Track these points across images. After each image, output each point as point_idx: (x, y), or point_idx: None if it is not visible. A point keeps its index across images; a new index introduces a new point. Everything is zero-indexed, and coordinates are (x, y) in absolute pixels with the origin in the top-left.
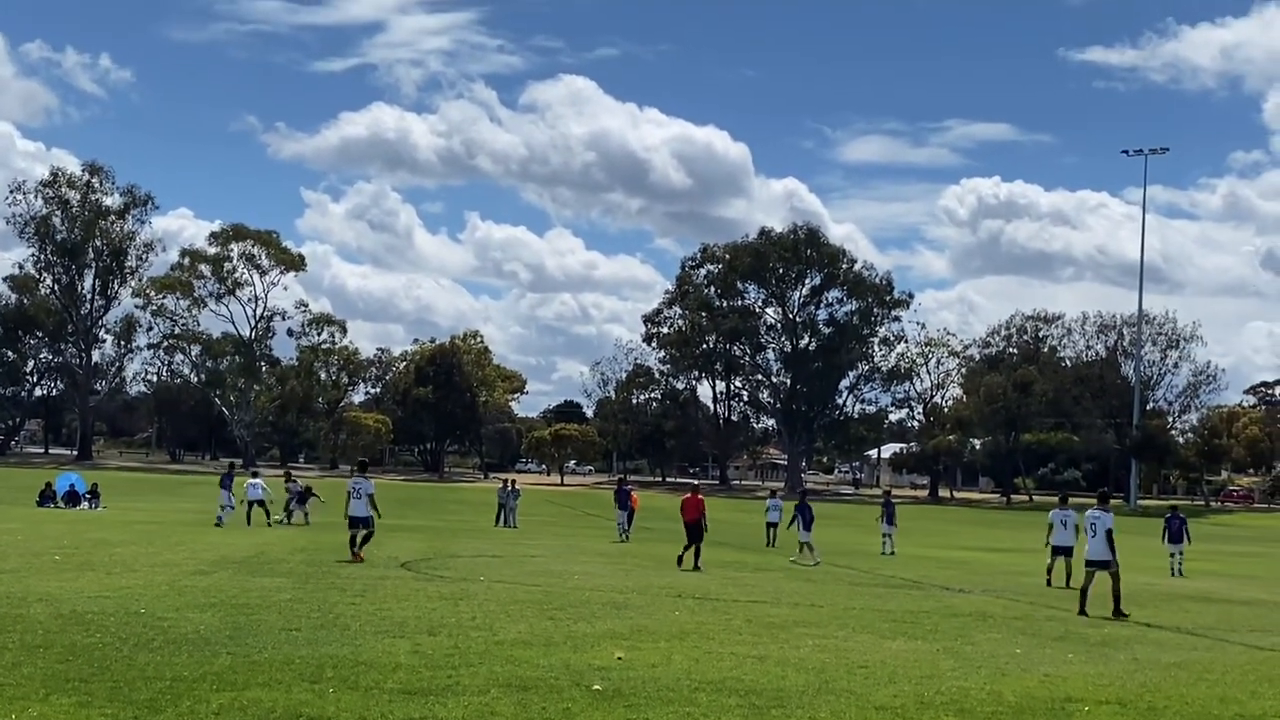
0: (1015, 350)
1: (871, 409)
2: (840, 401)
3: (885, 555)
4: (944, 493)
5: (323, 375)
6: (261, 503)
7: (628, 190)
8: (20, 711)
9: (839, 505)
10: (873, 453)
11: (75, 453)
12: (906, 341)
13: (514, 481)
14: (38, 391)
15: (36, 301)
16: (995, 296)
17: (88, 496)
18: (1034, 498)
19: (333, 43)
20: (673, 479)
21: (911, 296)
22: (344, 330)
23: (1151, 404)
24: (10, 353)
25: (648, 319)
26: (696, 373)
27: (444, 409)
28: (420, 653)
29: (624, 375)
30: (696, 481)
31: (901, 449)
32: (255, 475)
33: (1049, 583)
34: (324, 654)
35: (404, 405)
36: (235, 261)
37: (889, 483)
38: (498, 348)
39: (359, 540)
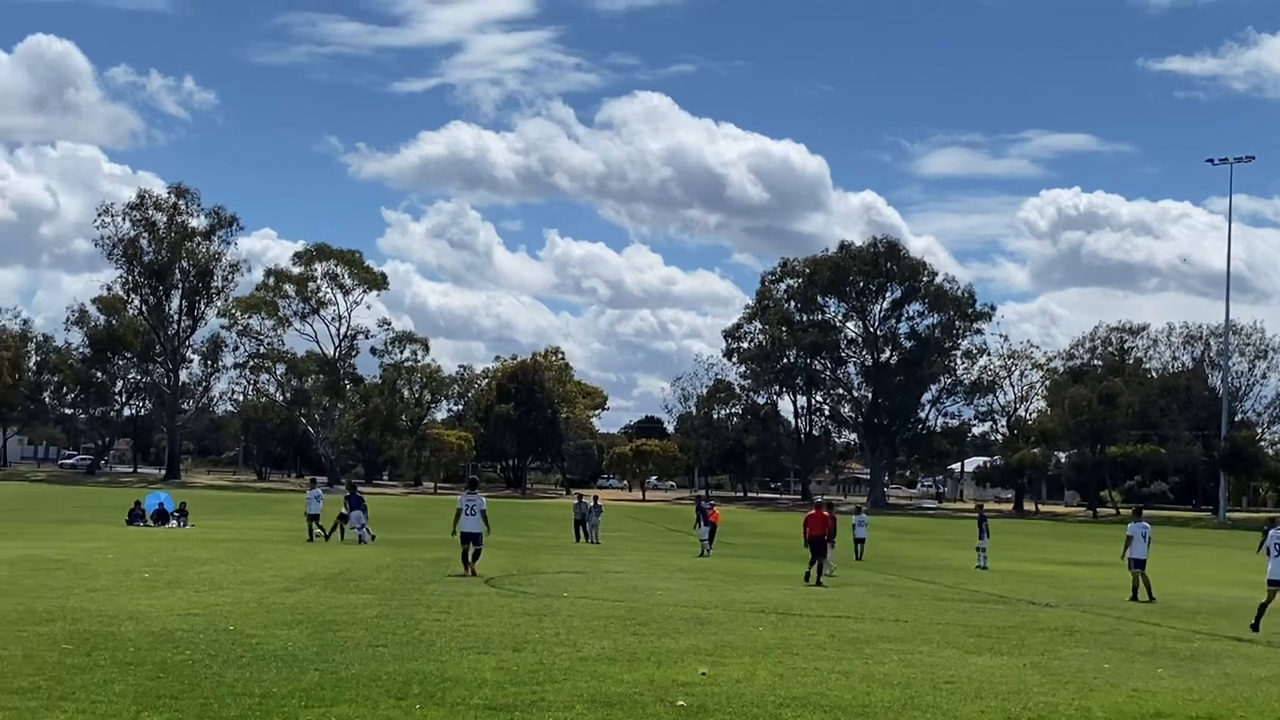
0: (1100, 362)
1: (954, 422)
2: (923, 415)
3: (979, 569)
4: (1029, 506)
5: (406, 393)
6: (316, 516)
7: (705, 206)
8: None
9: (922, 520)
10: (956, 466)
11: (164, 471)
12: (989, 354)
13: (596, 497)
14: (126, 411)
15: (125, 322)
16: (1077, 308)
17: (176, 515)
18: (1120, 511)
19: (412, 63)
20: (754, 494)
21: (994, 309)
22: (426, 348)
23: (1240, 415)
24: (100, 373)
25: (728, 334)
26: (777, 387)
27: (526, 425)
28: (505, 669)
29: (704, 390)
30: (820, 498)
31: (985, 462)
32: (313, 484)
33: (1135, 597)
34: (410, 670)
35: (486, 422)
36: (319, 281)
37: (973, 496)
38: (578, 364)
39: (471, 555)
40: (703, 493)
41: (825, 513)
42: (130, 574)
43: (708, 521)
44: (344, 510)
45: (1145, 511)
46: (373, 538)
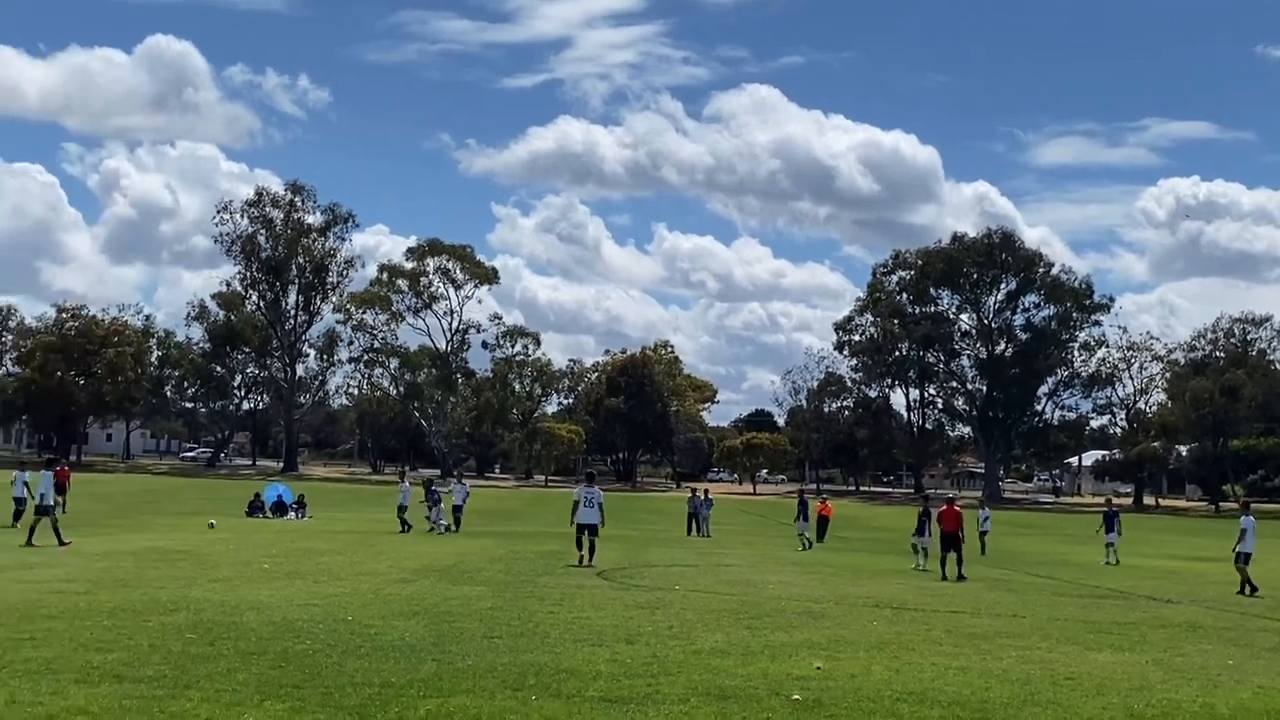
0: (1222, 354)
1: (1072, 415)
2: (1039, 408)
3: (1108, 565)
4: (1148, 501)
5: (517, 386)
6: (404, 509)
7: (815, 198)
8: (237, 717)
9: (1039, 514)
10: (1073, 460)
11: (281, 464)
12: (1108, 346)
13: (707, 491)
14: (245, 405)
15: (243, 318)
16: (1198, 299)
17: (294, 507)
18: (1112, 499)
19: (521, 59)
20: (866, 488)
21: (1112, 300)
22: (537, 342)
23: None
24: (219, 368)
25: (839, 327)
26: (889, 380)
27: (636, 419)
28: (619, 661)
29: (815, 383)
30: (950, 494)
31: (1104, 456)
32: (403, 478)
33: (1253, 591)
34: (525, 661)
35: (596, 415)
36: (431, 276)
37: (1091, 490)
38: (687, 357)
39: (586, 546)
40: (812, 486)
41: (956, 508)
42: (250, 565)
43: (807, 516)
44: (402, 503)
45: (1267, 506)
46: (445, 529)
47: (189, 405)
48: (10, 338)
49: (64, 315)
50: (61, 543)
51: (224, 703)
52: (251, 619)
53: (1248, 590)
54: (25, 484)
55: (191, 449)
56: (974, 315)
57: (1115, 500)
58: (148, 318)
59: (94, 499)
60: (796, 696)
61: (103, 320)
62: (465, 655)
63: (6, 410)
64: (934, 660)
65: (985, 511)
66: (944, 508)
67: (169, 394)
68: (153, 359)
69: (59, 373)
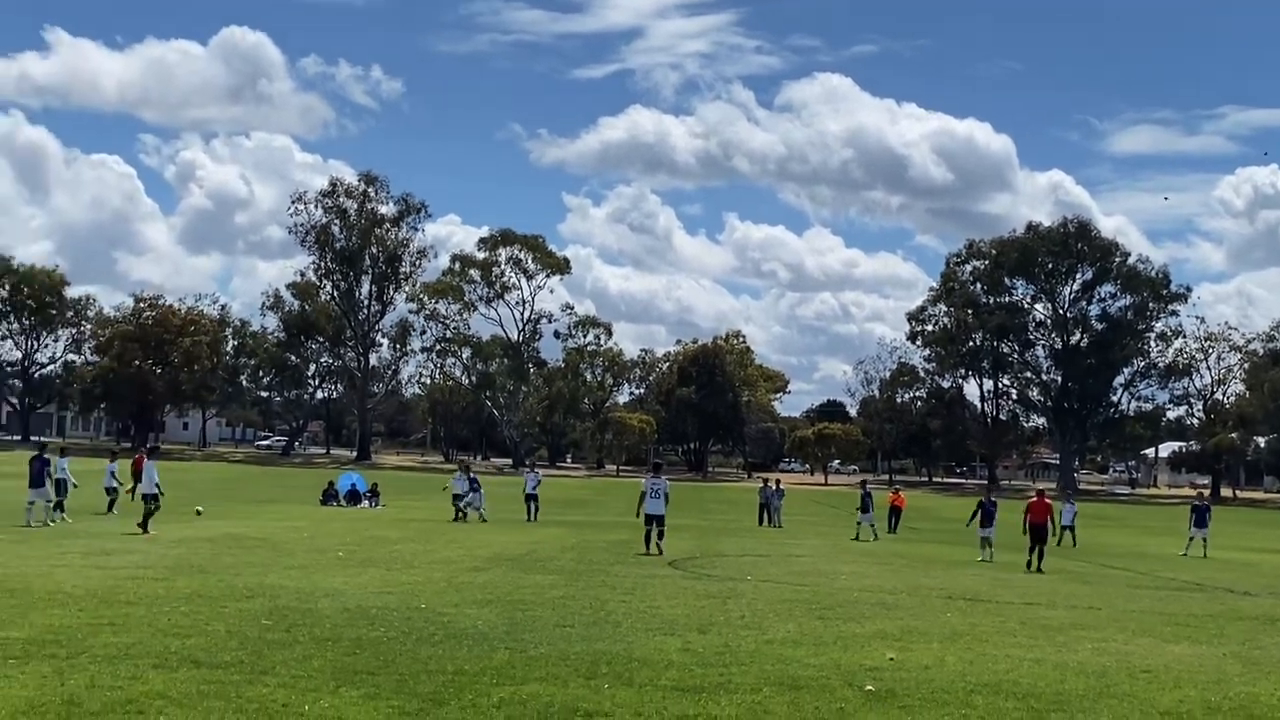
0: None
1: (1148, 406)
2: (1114, 399)
3: (1184, 557)
4: (1226, 492)
5: (588, 376)
6: (461, 496)
7: (887, 187)
8: (313, 703)
9: (1115, 506)
10: (1149, 451)
11: (355, 453)
12: (1184, 336)
13: (779, 481)
14: (319, 394)
15: (317, 307)
16: (1277, 289)
17: (368, 495)
18: (1204, 492)
19: (593, 50)
20: (939, 479)
21: (1189, 290)
22: (609, 332)
23: None
24: (293, 357)
25: (912, 317)
26: (963, 370)
27: (707, 409)
28: (691, 650)
29: (888, 374)
30: (1041, 486)
31: (1180, 447)
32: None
33: None
34: (598, 650)
35: (667, 405)
36: (503, 266)
37: (1167, 481)
38: (759, 347)
39: (653, 536)
40: (870, 476)
41: (1047, 500)
42: (325, 552)
43: (868, 508)
44: (456, 491)
45: None
46: (477, 516)
47: (264, 394)
48: (89, 327)
49: (141, 305)
50: (145, 531)
51: (300, 689)
52: (326, 606)
53: None
54: (114, 474)
55: (266, 437)
56: (1049, 305)
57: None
58: (223, 307)
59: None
60: (869, 687)
61: (179, 310)
62: (538, 643)
63: (85, 399)
64: (1008, 652)
65: (1071, 506)
66: (1034, 499)
67: (244, 383)
68: (228, 348)
69: (136, 362)
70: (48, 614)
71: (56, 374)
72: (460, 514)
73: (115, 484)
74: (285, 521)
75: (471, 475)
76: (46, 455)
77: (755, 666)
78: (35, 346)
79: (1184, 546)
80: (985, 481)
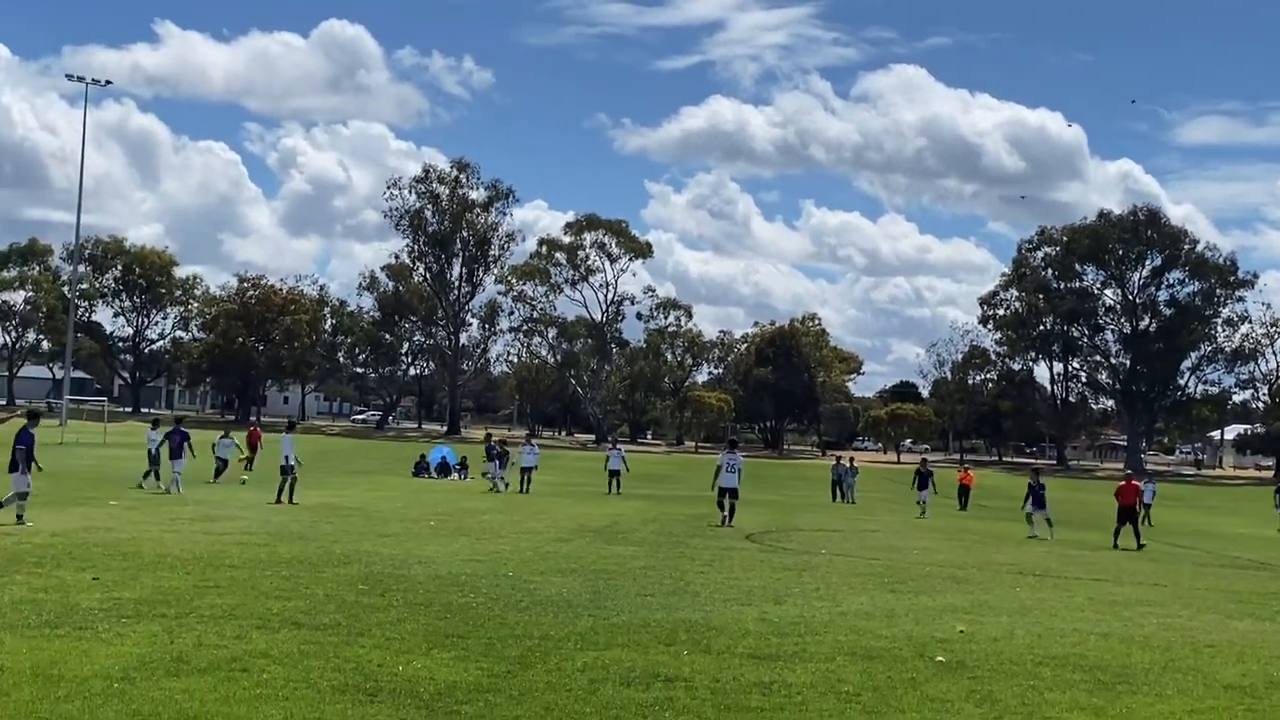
0: None
1: (1214, 390)
2: (1182, 382)
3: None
4: None
5: (669, 356)
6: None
7: (961, 175)
8: (406, 663)
9: (1182, 486)
10: (1215, 434)
11: (445, 428)
12: (1251, 322)
13: (852, 459)
14: (412, 371)
15: (411, 288)
16: None
17: (457, 468)
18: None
19: (675, 41)
20: (1009, 459)
21: (1256, 276)
22: (689, 314)
23: None
24: (388, 335)
25: (984, 301)
26: (1033, 354)
27: (783, 388)
28: (767, 620)
29: (960, 356)
30: (1129, 470)
31: (1245, 430)
32: (528, 440)
33: None
34: (677, 619)
35: (745, 385)
36: (588, 250)
37: (1233, 463)
38: (834, 330)
39: (727, 508)
40: (924, 449)
41: (1136, 483)
42: (417, 522)
43: (925, 484)
44: (525, 464)
45: None
46: (506, 486)
47: (359, 370)
48: (196, 305)
49: (245, 284)
50: (292, 501)
51: (394, 650)
52: (419, 572)
53: None
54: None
55: (361, 412)
56: (1118, 290)
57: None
58: (322, 287)
59: (272, 457)
60: (940, 658)
61: (281, 289)
62: (620, 611)
63: (193, 373)
64: (1076, 626)
65: (1151, 485)
66: (1124, 482)
67: (341, 359)
68: (326, 326)
69: (240, 338)
70: (157, 576)
71: (165, 350)
72: (494, 486)
73: (228, 455)
74: (379, 492)
75: (492, 445)
76: (184, 429)
77: (829, 636)
78: (145, 323)
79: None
80: (1040, 462)
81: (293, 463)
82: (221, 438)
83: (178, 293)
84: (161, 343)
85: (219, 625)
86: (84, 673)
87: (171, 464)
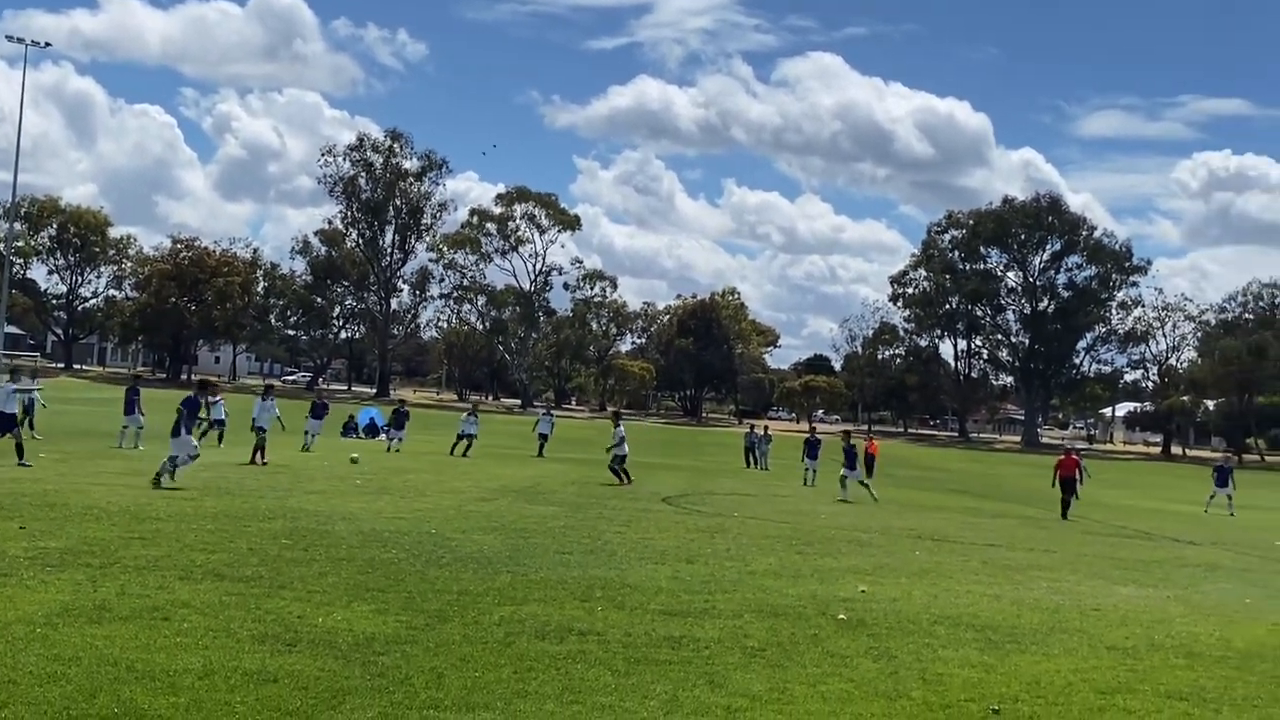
0: (1251, 316)
1: (1107, 369)
2: (1077, 361)
3: (1205, 514)
4: (1176, 450)
5: (594, 326)
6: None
7: (874, 159)
8: (326, 615)
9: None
10: (1107, 411)
11: (375, 390)
12: (1143, 306)
13: (766, 427)
14: (343, 334)
15: (343, 253)
16: (1228, 265)
17: (386, 429)
18: (1265, 458)
19: (605, 22)
20: (914, 430)
21: (1149, 263)
22: (614, 285)
23: None
24: (320, 299)
25: (894, 280)
26: (939, 331)
27: (703, 359)
28: (680, 579)
29: (870, 332)
30: (1069, 445)
31: (1136, 408)
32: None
33: None
34: (593, 576)
35: (666, 355)
36: (518, 221)
37: (1123, 438)
38: (752, 304)
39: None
40: (850, 426)
41: (1075, 457)
42: (344, 480)
43: (853, 464)
44: (466, 432)
45: None
46: (397, 451)
47: (291, 333)
48: (129, 265)
49: (179, 246)
50: (256, 461)
51: (315, 602)
52: (343, 529)
53: None
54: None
55: (292, 373)
56: (1020, 273)
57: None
58: (255, 250)
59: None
60: (841, 616)
61: (214, 251)
62: (538, 568)
63: (125, 331)
64: (970, 588)
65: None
66: (1064, 456)
67: (273, 321)
68: (259, 289)
69: (173, 298)
70: (83, 527)
71: (98, 308)
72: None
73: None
74: (307, 451)
75: (403, 409)
76: (139, 386)
77: (737, 594)
78: (80, 281)
79: (1205, 504)
80: (956, 434)
81: (261, 425)
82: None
83: (112, 252)
84: (95, 301)
85: (142, 575)
86: (7, 618)
87: (124, 419)
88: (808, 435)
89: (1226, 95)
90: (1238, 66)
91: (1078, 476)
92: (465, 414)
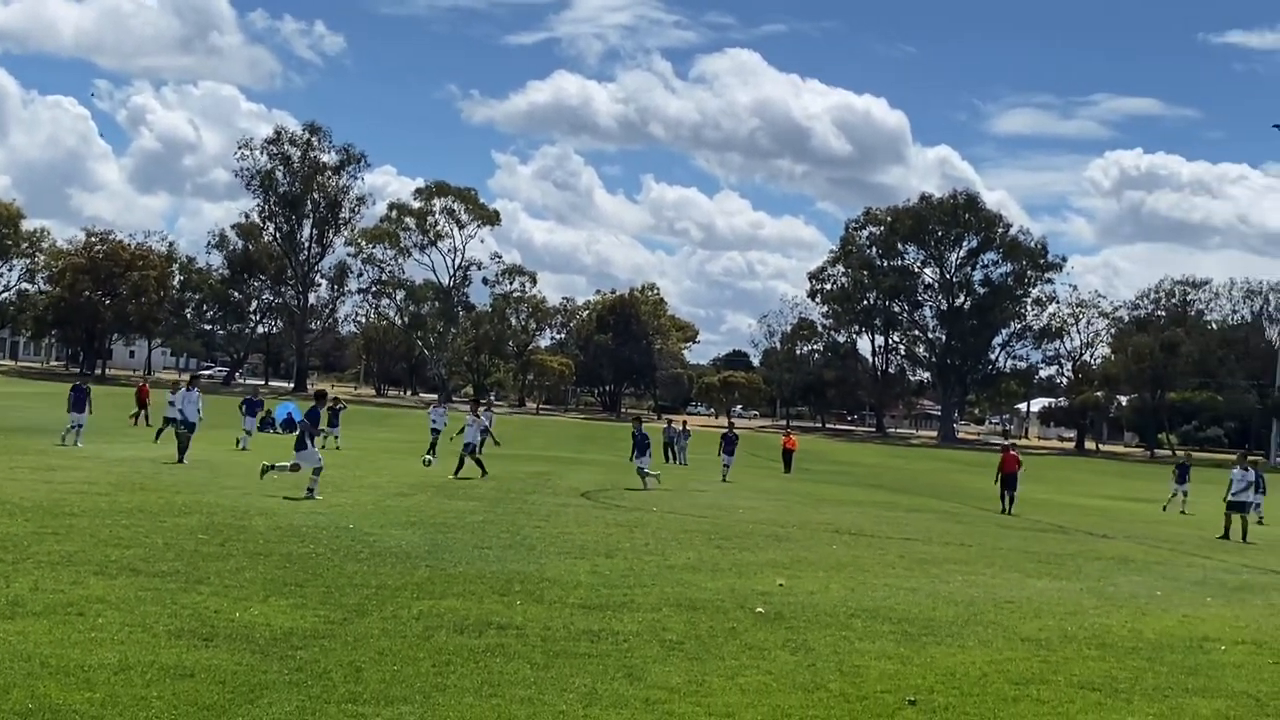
0: (1163, 313)
1: (1022, 365)
2: (993, 357)
3: (1164, 512)
4: (1090, 445)
5: (513, 321)
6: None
7: (792, 156)
8: (244, 610)
9: (989, 454)
10: (1022, 406)
11: (292, 385)
12: (1058, 302)
13: (685, 422)
14: (260, 329)
15: (261, 247)
16: (1140, 262)
17: (321, 430)
18: (1176, 453)
19: (523, 17)
20: (832, 425)
21: (1064, 260)
22: (533, 280)
23: None
24: (236, 293)
25: (812, 276)
26: (857, 327)
27: (622, 354)
28: (599, 573)
29: (789, 328)
30: (1009, 441)
31: (1050, 403)
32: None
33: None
34: (512, 570)
35: (586, 350)
36: (437, 215)
37: (1037, 434)
38: (671, 300)
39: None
40: (731, 422)
41: (1015, 454)
42: (259, 475)
43: (731, 452)
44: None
45: (1199, 454)
46: (336, 448)
47: (207, 327)
48: (42, 258)
49: (93, 239)
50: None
51: (232, 597)
52: (260, 524)
53: (1234, 536)
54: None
55: (208, 367)
56: (937, 269)
57: (1058, 444)
58: (171, 244)
59: (117, 409)
60: (760, 609)
61: (129, 245)
62: (457, 563)
63: (38, 325)
64: (887, 581)
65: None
66: (1005, 454)
67: (189, 316)
68: (174, 283)
69: (87, 292)
70: None
71: (10, 301)
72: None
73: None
74: (223, 445)
75: (339, 405)
76: (86, 385)
77: (656, 588)
78: None
79: (1165, 502)
80: (874, 429)
81: (191, 419)
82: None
83: (24, 245)
84: (6, 295)
85: (56, 571)
86: None
87: (70, 416)
88: (725, 430)
89: (1139, 94)
90: (1149, 66)
91: (1018, 473)
92: (432, 405)
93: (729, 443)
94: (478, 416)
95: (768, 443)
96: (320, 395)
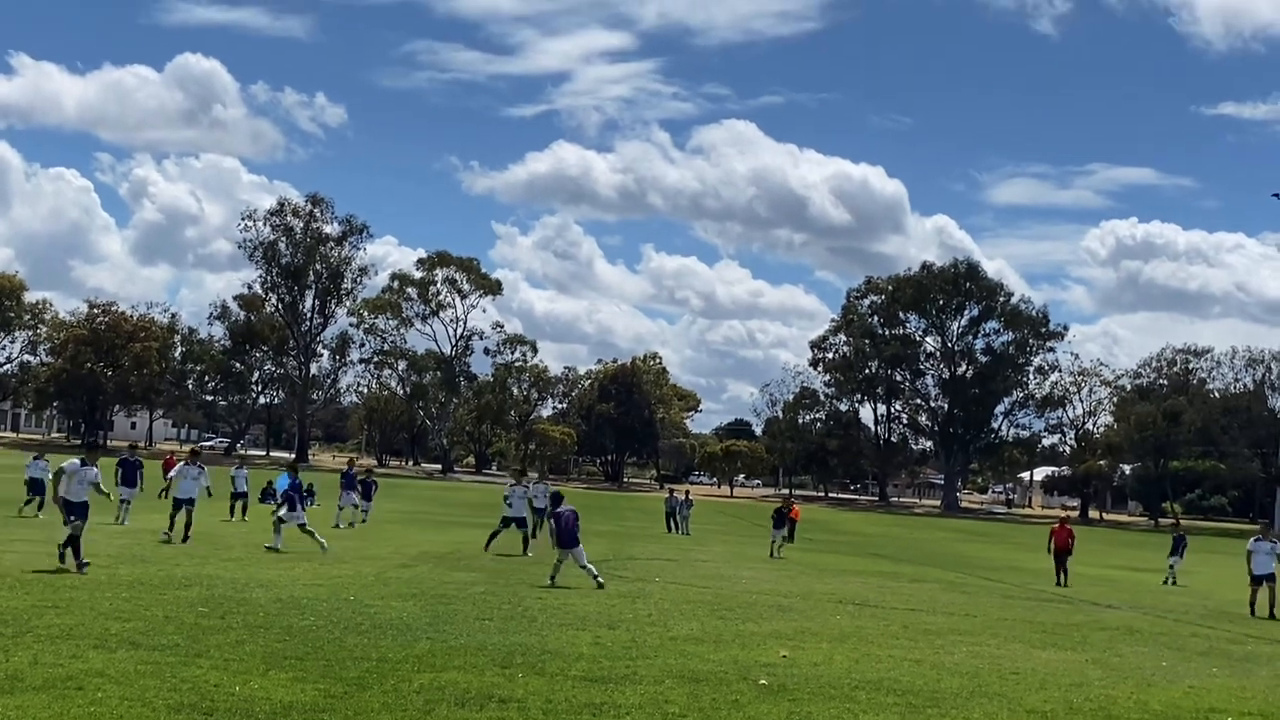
0: (1165, 381)
1: (1025, 433)
2: (995, 426)
3: (1165, 585)
4: (1093, 514)
5: (515, 390)
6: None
7: (791, 225)
8: (243, 684)
9: (992, 524)
10: (1025, 475)
11: (294, 455)
12: (1060, 371)
13: (688, 492)
14: (261, 399)
15: (262, 318)
16: (1140, 331)
17: (305, 495)
18: (1180, 522)
19: (523, 90)
20: (834, 494)
21: (1066, 328)
22: (535, 350)
23: None
24: (238, 364)
25: (814, 345)
26: (859, 396)
27: (624, 424)
28: (601, 644)
29: (791, 397)
30: (1065, 514)
31: (1054, 472)
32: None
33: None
34: (513, 642)
35: (588, 419)
36: (439, 285)
37: (1040, 503)
38: (672, 369)
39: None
40: (785, 496)
41: (1069, 528)
42: (260, 547)
43: (782, 525)
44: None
45: (1203, 523)
46: (363, 522)
47: (209, 398)
48: (45, 330)
49: (95, 310)
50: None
51: (232, 670)
52: (260, 596)
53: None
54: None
55: (210, 438)
56: (938, 338)
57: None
58: (173, 315)
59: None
60: (763, 681)
61: (131, 316)
62: (458, 635)
63: (40, 397)
64: (891, 653)
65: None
66: (1057, 525)
67: (190, 387)
68: (176, 354)
69: (89, 364)
70: None
71: (12, 373)
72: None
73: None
74: (224, 517)
75: (370, 479)
76: (137, 458)
77: (659, 660)
78: None
79: (1165, 575)
80: (877, 498)
81: (193, 495)
82: (237, 468)
83: (27, 317)
84: (9, 366)
85: (55, 644)
86: None
87: (119, 489)
88: (778, 505)
89: (1134, 164)
90: (1144, 136)
91: (1070, 546)
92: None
93: (780, 518)
94: (526, 488)
95: (769, 511)
96: (292, 466)
